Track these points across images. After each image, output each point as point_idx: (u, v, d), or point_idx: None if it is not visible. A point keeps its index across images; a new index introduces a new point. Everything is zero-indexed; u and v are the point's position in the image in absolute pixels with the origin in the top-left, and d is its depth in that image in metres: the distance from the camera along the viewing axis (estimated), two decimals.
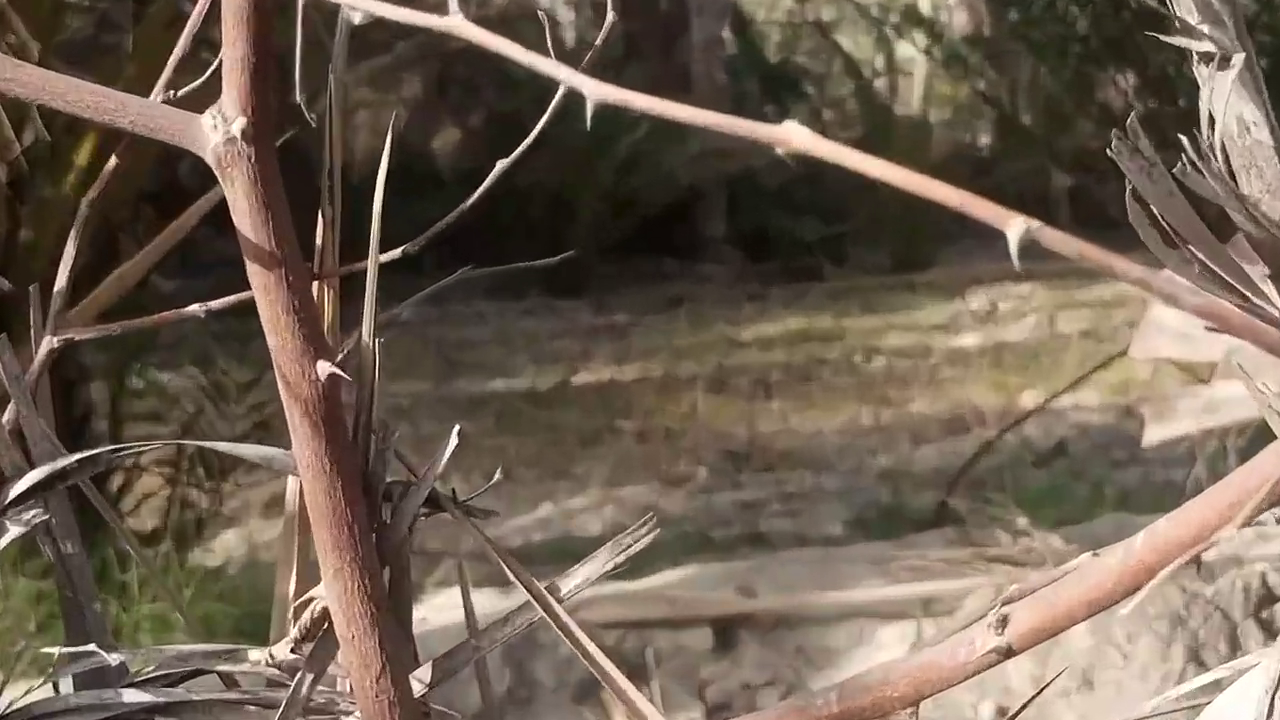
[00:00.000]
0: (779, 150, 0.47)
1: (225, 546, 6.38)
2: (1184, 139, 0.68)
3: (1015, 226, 0.45)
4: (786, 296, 15.05)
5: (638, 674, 4.48)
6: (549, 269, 15.34)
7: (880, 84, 18.69)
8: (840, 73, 18.15)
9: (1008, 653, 0.57)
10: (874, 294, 15.58)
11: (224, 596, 4.96)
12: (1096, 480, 7.39)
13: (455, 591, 5.04)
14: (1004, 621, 0.57)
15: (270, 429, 5.84)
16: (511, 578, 0.79)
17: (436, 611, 4.50)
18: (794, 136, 0.47)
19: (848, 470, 8.66)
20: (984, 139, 19.13)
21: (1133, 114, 0.70)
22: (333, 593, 0.75)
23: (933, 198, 0.45)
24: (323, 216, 0.78)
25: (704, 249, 16.33)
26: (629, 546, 0.79)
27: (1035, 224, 0.45)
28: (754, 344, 12.61)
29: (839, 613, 4.60)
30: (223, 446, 0.78)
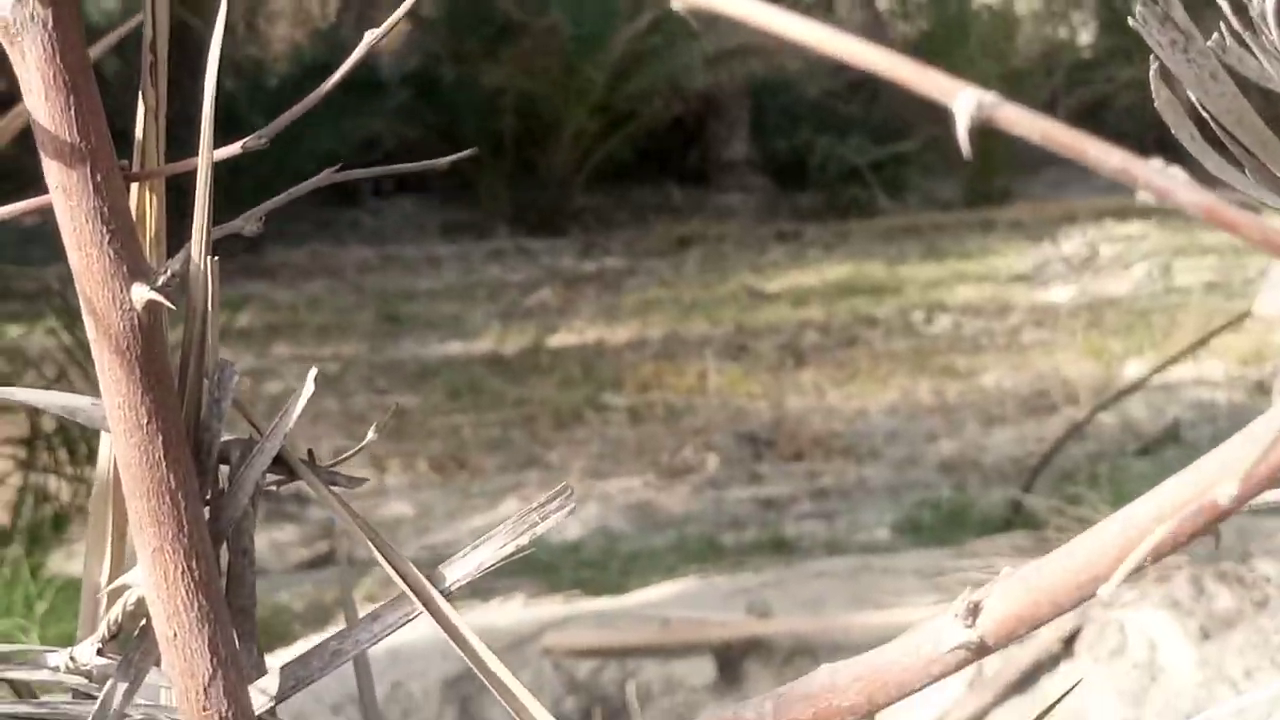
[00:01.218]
0: (674, 5, 0.48)
1: None
2: (1224, 4, 0.69)
3: (963, 99, 0.45)
4: (826, 237, 15.06)
5: (618, 715, 4.51)
6: (524, 201, 15.36)
7: None
8: None
9: (979, 649, 0.58)
10: (939, 234, 15.59)
11: None
12: None
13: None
14: (974, 611, 0.58)
15: None
16: (382, 563, 0.80)
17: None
18: None
19: (899, 460, 8.68)
20: (1084, 37, 19.08)
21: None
22: (151, 579, 0.76)
23: (862, 65, 0.46)
24: (143, 99, 0.79)
25: (722, 175, 16.34)
26: (536, 524, 0.80)
27: (989, 97, 0.46)
28: (783, 298, 12.63)
29: (875, 638, 4.62)
30: (12, 393, 0.79)
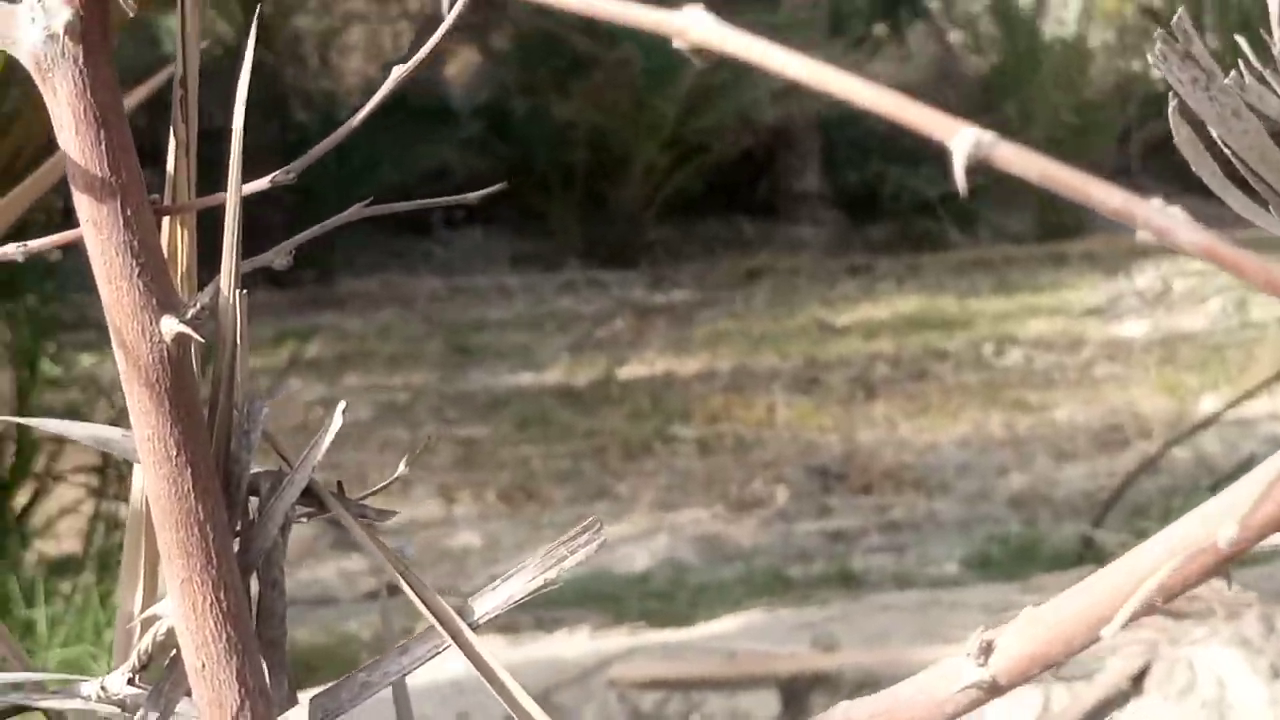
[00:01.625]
0: (676, 43, 0.48)
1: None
2: (1241, 41, 0.69)
3: (961, 138, 0.45)
4: (898, 270, 15.02)
5: None
6: (595, 234, 15.39)
7: None
8: None
9: (992, 688, 0.58)
10: (1011, 267, 15.52)
11: None
12: None
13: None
14: (987, 650, 0.58)
15: None
16: (410, 595, 0.80)
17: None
18: (693, 26, 0.48)
19: (969, 494, 8.64)
20: (1157, 70, 18.91)
21: (1180, 10, 0.70)
22: (180, 610, 0.77)
23: (862, 104, 0.46)
24: (174, 134, 0.80)
25: (792, 208, 16.32)
26: (565, 558, 0.80)
27: (988, 136, 0.46)
28: (854, 331, 12.59)
29: None
30: (44, 423, 0.80)
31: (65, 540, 5.67)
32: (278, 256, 0.78)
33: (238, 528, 0.79)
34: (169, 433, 0.76)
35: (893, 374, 11.28)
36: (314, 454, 0.79)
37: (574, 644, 4.93)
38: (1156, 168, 17.75)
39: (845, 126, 16.20)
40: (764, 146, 16.22)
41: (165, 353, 0.75)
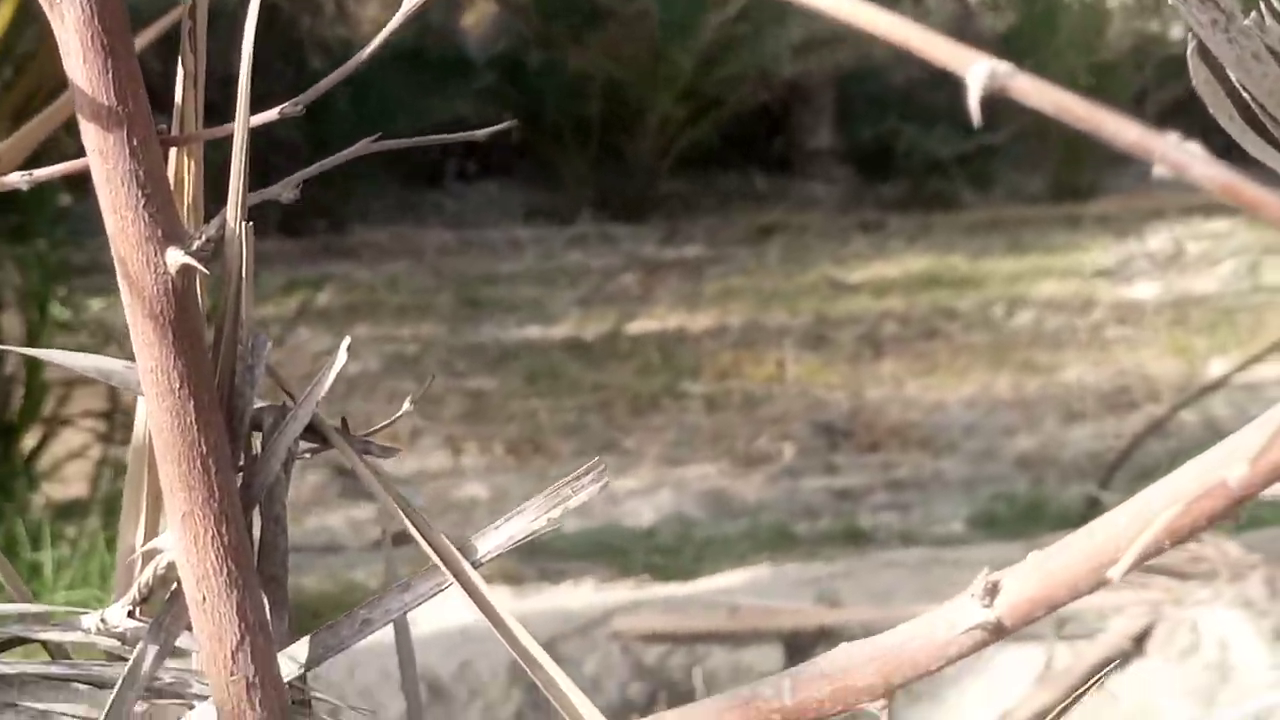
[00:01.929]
0: None
1: None
2: None
3: (977, 69, 0.45)
4: (910, 229, 14.99)
5: (684, 700, 4.51)
6: (608, 188, 15.36)
7: None
8: None
9: (997, 629, 0.58)
10: (1024, 228, 15.48)
11: None
12: None
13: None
14: (993, 591, 0.58)
15: None
16: (413, 533, 0.80)
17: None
18: None
19: (976, 453, 8.64)
20: (1176, 30, 18.90)
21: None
22: (181, 544, 0.76)
23: (873, 31, 0.45)
24: (182, 65, 0.79)
25: (806, 164, 16.28)
26: (568, 498, 0.80)
27: (1004, 67, 0.45)
28: (864, 289, 12.58)
29: None
30: (49, 355, 0.79)
31: (72, 484, 5.68)
32: (285, 190, 0.77)
33: (240, 462, 0.78)
34: (172, 365, 0.75)
35: (902, 332, 11.27)
36: (318, 389, 0.79)
37: (578, 596, 4.94)
38: (1174, 127, 17.66)
39: (862, 82, 16.15)
40: (780, 101, 16.18)
41: (170, 284, 0.75)
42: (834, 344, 11.05)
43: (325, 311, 11.89)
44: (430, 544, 0.80)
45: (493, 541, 0.81)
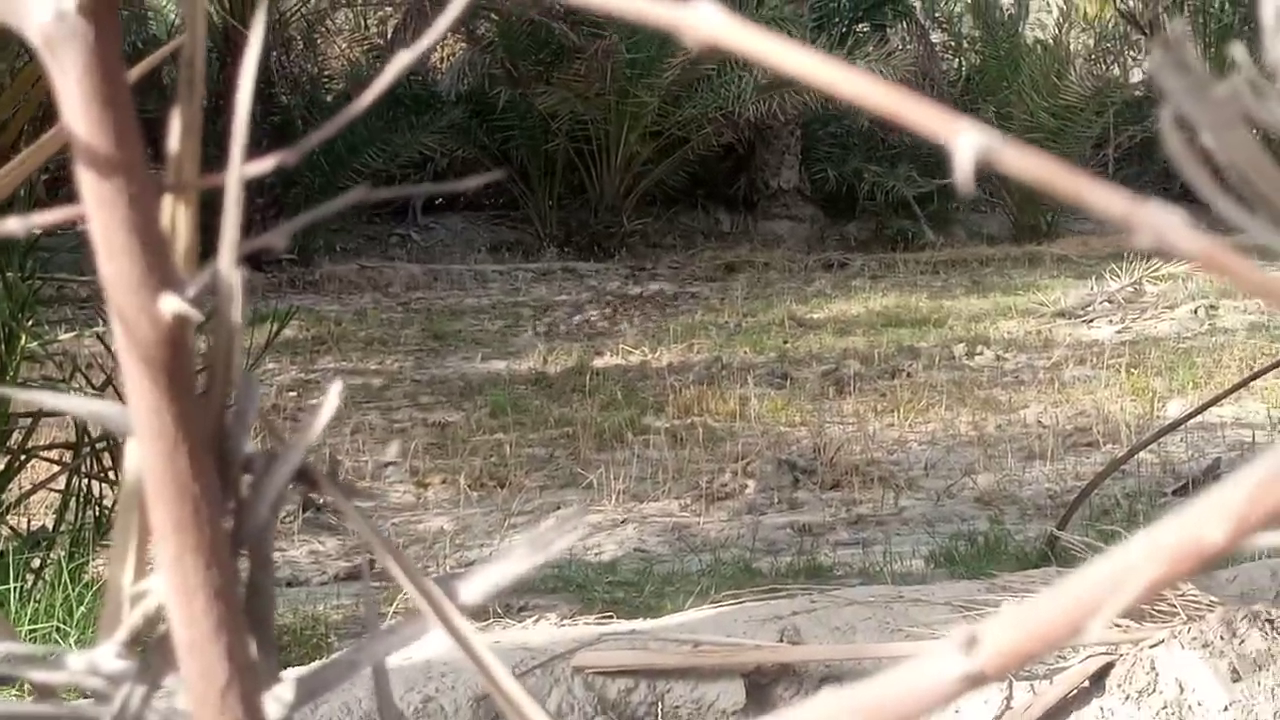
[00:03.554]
0: (687, 41, 0.48)
1: None
2: (1238, 50, 0.69)
3: (965, 139, 0.46)
4: (873, 267, 15.05)
5: None
6: (573, 224, 15.38)
7: None
8: None
9: (977, 679, 0.59)
10: (985, 268, 15.57)
11: None
12: None
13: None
14: (973, 642, 0.59)
15: None
16: (398, 576, 0.80)
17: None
18: (704, 21, 0.48)
19: (936, 491, 8.66)
20: (1136, 74, 19.02)
21: (1168, 17, 0.71)
22: (171, 585, 0.77)
23: (868, 103, 0.46)
24: (180, 112, 0.80)
25: (771, 203, 16.35)
26: (551, 542, 0.81)
27: (993, 139, 0.46)
28: (827, 326, 12.63)
29: None
30: (39, 397, 0.80)
31: (37, 515, 5.66)
32: (277, 239, 0.78)
33: (230, 506, 0.79)
34: (166, 409, 0.76)
35: (864, 370, 11.31)
36: (307, 434, 0.80)
37: (540, 631, 4.94)
38: (1133, 172, 17.81)
39: (825, 123, 16.23)
40: (744, 141, 16.24)
41: (165, 330, 0.75)
42: (797, 381, 11.08)
43: (293, 343, 11.87)
44: (417, 587, 0.80)
45: (478, 586, 0.81)
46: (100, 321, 6.84)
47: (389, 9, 17.98)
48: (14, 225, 0.80)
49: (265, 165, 0.80)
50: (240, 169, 0.78)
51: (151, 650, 0.79)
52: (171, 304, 0.74)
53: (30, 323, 5.39)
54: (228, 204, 0.78)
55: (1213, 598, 4.60)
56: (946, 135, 0.46)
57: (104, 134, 0.74)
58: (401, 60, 0.79)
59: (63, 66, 0.74)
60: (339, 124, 0.80)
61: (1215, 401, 7.47)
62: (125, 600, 0.85)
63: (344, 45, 17.77)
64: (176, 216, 0.81)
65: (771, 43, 0.47)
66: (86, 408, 0.81)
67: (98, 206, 0.75)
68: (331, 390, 0.79)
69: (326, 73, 16.87)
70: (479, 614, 5.69)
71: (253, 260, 13.03)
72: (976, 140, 0.46)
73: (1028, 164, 0.46)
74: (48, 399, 0.79)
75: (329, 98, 15.46)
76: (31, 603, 4.85)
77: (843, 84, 0.46)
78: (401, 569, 0.82)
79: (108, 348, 5.23)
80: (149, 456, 0.76)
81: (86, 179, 0.75)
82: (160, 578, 0.78)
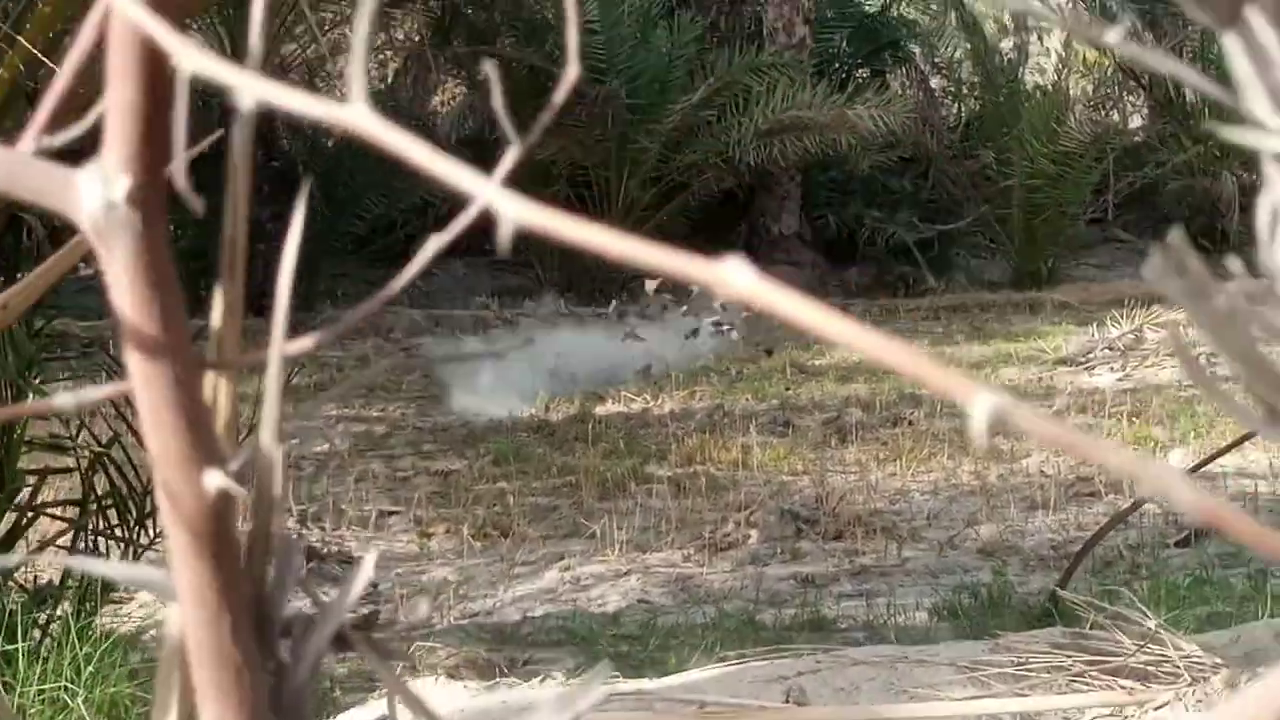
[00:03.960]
0: (717, 297, 0.51)
1: (141, 610, 6.44)
2: (1235, 262, 0.72)
3: (980, 403, 0.48)
4: (874, 313, 15.07)
5: None
6: (575, 270, 15.41)
7: (1006, 44, 18.72)
8: (955, 28, 18.19)
9: None
10: (986, 314, 15.60)
11: (135, 676, 5.01)
12: (1257, 569, 7.38)
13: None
14: None
15: None
16: None
17: None
18: (735, 277, 0.51)
19: (939, 541, 8.68)
20: (1135, 120, 19.09)
21: (1174, 226, 0.74)
22: None
23: (891, 364, 0.49)
24: (222, 294, 0.83)
25: (771, 248, 16.38)
26: (577, 704, 0.83)
27: (1007, 401, 0.49)
28: (828, 373, 12.65)
29: None
30: (91, 565, 0.82)
31: (45, 571, 5.68)
32: (325, 338, 0.81)
33: (271, 669, 0.82)
34: (209, 580, 0.79)
35: (866, 418, 11.33)
36: (344, 599, 0.83)
37: (546, 691, 4.95)
38: (1132, 217, 17.86)
39: (826, 169, 16.29)
40: (745, 187, 16.30)
41: (208, 504, 0.78)
42: (799, 429, 11.10)
43: (294, 390, 11.88)
44: None
45: None
46: (103, 369, 6.87)
47: (389, 53, 18.06)
48: (66, 401, 0.83)
49: (305, 344, 0.83)
50: (281, 344, 0.81)
51: None
52: (215, 479, 0.77)
53: (37, 379, 5.42)
54: (269, 383, 0.81)
55: (1217, 659, 4.62)
56: (964, 397, 0.49)
57: (150, 317, 0.77)
58: (455, 228, 0.82)
59: (111, 252, 0.77)
60: (426, 259, 0.83)
61: (1221, 454, 7.49)
62: None
63: (344, 90, 17.84)
64: (218, 392, 0.84)
65: (798, 304, 0.50)
66: (134, 575, 0.84)
67: (144, 385, 0.78)
68: (365, 561, 0.81)
69: (328, 121, 16.89)
70: (485, 671, 5.71)
71: (254, 306, 13.06)
72: (991, 402, 0.49)
73: (1038, 426, 0.49)
74: (99, 568, 0.81)
75: (329, 143, 15.50)
76: (39, 662, 4.87)
77: (872, 347, 0.49)
78: None
79: (116, 405, 5.27)
80: (193, 624, 0.79)
81: (133, 359, 0.78)
82: None
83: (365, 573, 0.82)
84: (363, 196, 14.39)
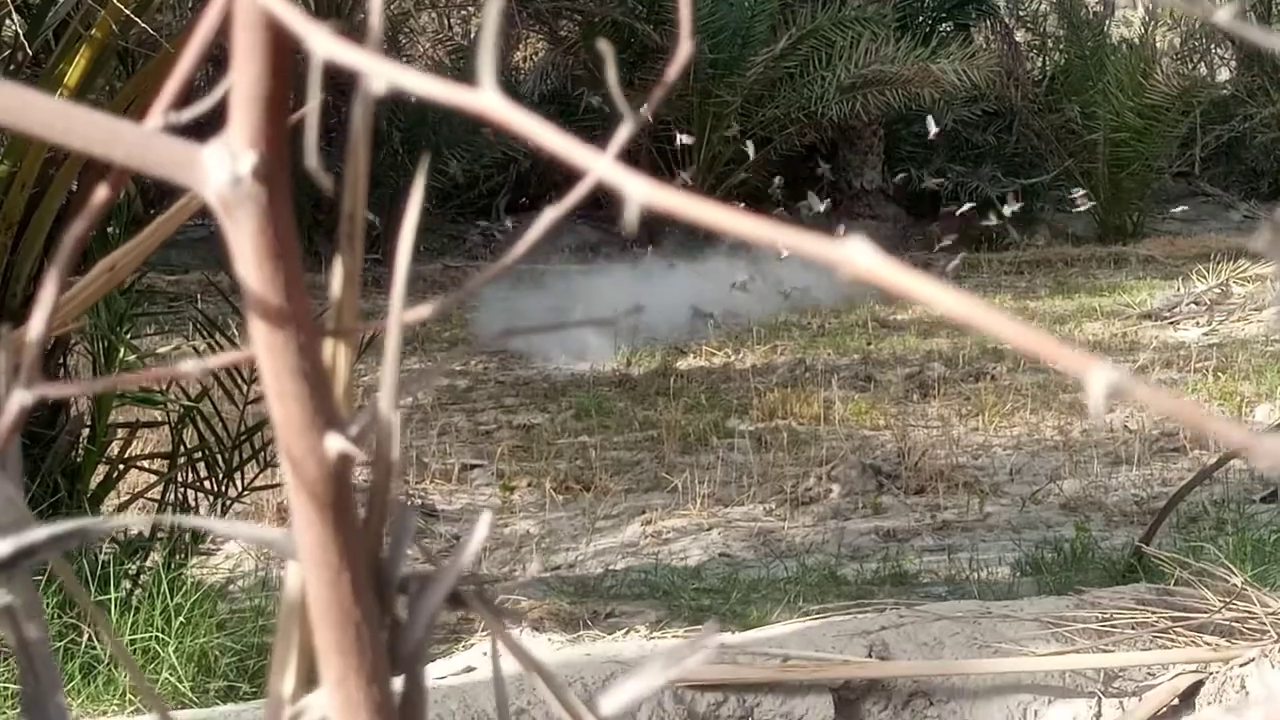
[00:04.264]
0: (842, 276, 0.53)
1: (228, 562, 6.53)
2: None
3: (1098, 374, 0.50)
4: (957, 267, 15.03)
5: None
6: (658, 222, 15.42)
7: None
8: None
9: None
10: (1070, 268, 15.51)
11: (224, 626, 5.08)
12: None
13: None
14: None
15: None
16: (546, 691, 0.86)
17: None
18: (858, 257, 0.53)
19: (1021, 497, 8.66)
20: (1223, 74, 18.90)
21: (1261, 179, 0.76)
22: (334, 702, 0.83)
23: (1008, 340, 0.51)
24: (342, 265, 0.86)
25: (853, 202, 16.35)
26: (685, 657, 0.86)
27: (1124, 374, 0.51)
28: (911, 328, 12.62)
29: (997, 684, 4.65)
30: (213, 524, 0.86)
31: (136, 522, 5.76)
32: (449, 305, 0.84)
33: (387, 626, 0.85)
34: (330, 541, 0.82)
35: (948, 373, 11.31)
36: (460, 559, 0.85)
37: (631, 644, 5.00)
38: (1219, 171, 17.72)
39: (909, 123, 16.21)
40: (828, 141, 16.25)
41: (329, 468, 0.81)
42: (881, 384, 11.09)
43: (375, 344, 11.95)
44: (563, 703, 0.86)
45: (617, 700, 0.87)
46: (191, 323, 6.94)
47: (471, 9, 18.08)
48: (191, 367, 0.86)
49: (421, 313, 0.86)
50: (400, 314, 0.84)
51: None
52: (336, 443, 0.80)
53: (128, 334, 5.49)
54: (389, 350, 0.83)
55: None
56: (1081, 372, 0.51)
57: (274, 288, 0.80)
58: (550, 215, 0.85)
59: (237, 225, 0.79)
60: (494, 273, 0.85)
61: None
62: (285, 710, 0.91)
63: (428, 45, 17.87)
64: (336, 358, 0.87)
65: (921, 283, 0.52)
66: (256, 534, 0.87)
67: (268, 353, 0.81)
68: (481, 519, 0.84)
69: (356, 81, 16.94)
70: (569, 624, 5.75)
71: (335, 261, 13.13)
72: (1108, 376, 0.51)
73: (1153, 397, 0.51)
74: (220, 527, 0.84)
75: (413, 99, 15.54)
76: (130, 612, 4.94)
77: (990, 323, 0.51)
78: (549, 685, 0.88)
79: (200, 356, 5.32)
80: (314, 584, 0.82)
81: (258, 329, 0.81)
82: (324, 694, 0.83)
83: (482, 531, 0.85)
84: (445, 152, 14.43)
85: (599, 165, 0.70)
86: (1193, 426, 0.49)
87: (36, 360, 0.83)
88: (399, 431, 0.84)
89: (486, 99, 0.67)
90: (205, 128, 0.83)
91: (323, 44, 0.71)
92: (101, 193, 0.87)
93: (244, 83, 0.80)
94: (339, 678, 0.83)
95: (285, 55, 0.80)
